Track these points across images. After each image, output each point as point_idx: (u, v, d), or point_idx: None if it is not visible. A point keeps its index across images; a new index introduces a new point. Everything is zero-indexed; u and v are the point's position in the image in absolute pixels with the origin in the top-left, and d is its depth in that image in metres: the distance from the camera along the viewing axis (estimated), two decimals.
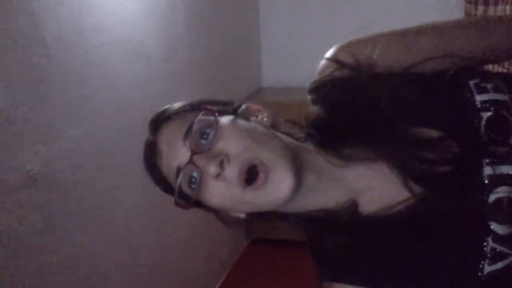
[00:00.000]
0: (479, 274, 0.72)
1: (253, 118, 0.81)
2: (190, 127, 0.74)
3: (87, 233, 1.69)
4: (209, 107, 0.77)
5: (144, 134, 0.83)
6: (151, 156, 0.80)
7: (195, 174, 0.73)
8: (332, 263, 0.80)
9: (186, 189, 0.75)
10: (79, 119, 1.63)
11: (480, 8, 2.30)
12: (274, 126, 0.82)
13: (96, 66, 1.71)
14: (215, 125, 0.73)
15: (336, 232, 0.79)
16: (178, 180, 0.74)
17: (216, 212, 0.82)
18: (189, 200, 0.75)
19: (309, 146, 0.81)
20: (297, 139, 0.83)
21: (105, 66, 1.76)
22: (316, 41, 2.17)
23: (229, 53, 2.84)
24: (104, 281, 1.80)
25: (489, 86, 0.77)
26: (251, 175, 0.71)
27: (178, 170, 0.74)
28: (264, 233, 3.10)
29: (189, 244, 2.41)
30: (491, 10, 2.29)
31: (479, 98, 0.75)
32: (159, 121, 0.80)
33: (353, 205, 0.78)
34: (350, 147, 0.78)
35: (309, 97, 0.84)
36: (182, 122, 0.76)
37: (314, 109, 0.82)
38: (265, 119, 0.81)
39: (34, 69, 1.45)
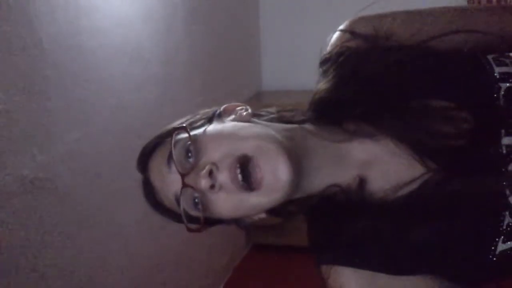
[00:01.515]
0: (492, 251, 0.70)
1: (231, 117, 0.79)
2: (170, 152, 0.72)
3: (85, 238, 1.67)
4: (178, 126, 0.75)
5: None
6: (150, 194, 0.80)
7: (196, 195, 0.72)
8: (334, 245, 0.77)
9: (193, 212, 0.74)
10: (76, 123, 1.62)
11: None
12: (257, 115, 0.81)
13: (93, 69, 1.69)
14: (191, 141, 0.72)
15: (344, 214, 0.76)
16: (181, 207, 0.73)
17: (236, 222, 0.80)
18: (199, 221, 0.73)
19: (308, 127, 0.79)
20: (292, 122, 0.81)
21: (102, 69, 1.74)
22: (316, 44, 2.16)
23: (228, 56, 2.82)
24: (103, 286, 1.78)
25: (507, 60, 0.75)
26: (245, 175, 0.69)
27: (177, 198, 0.73)
28: (264, 239, 3.08)
29: (189, 249, 2.39)
30: None
31: (498, 69, 0.74)
32: (144, 160, 0.80)
33: (362, 182, 0.75)
34: (355, 122, 0.76)
35: (320, 68, 0.82)
36: (162, 151, 0.76)
37: (322, 85, 0.79)
38: (244, 113, 0.79)
39: (30, 72, 1.43)
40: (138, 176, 0.83)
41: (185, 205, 0.73)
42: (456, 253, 0.72)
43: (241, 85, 3.05)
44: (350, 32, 0.80)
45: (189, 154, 0.72)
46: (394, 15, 0.80)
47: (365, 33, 0.78)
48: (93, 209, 1.70)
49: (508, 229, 0.70)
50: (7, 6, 1.34)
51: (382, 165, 0.75)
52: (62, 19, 1.54)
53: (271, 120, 0.81)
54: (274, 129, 0.75)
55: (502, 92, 0.72)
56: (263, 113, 0.83)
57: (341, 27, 0.82)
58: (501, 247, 0.70)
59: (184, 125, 0.75)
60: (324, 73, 0.81)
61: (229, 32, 2.83)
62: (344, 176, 0.76)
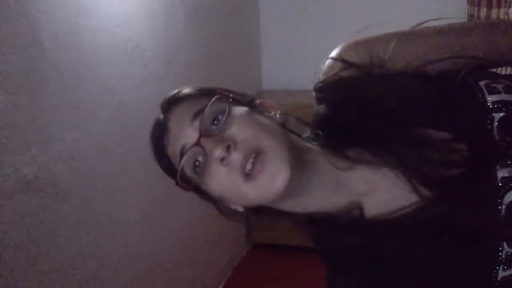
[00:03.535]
0: (493, 279, 0.71)
1: (266, 113, 0.81)
2: (202, 109, 0.73)
3: (85, 237, 1.67)
4: (224, 92, 0.77)
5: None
6: (159, 134, 0.80)
7: (199, 158, 0.73)
8: (339, 268, 0.78)
9: (188, 172, 0.74)
10: (76, 122, 1.61)
11: (483, 10, 2.29)
12: (284, 124, 0.82)
13: (93, 69, 1.69)
14: (227, 111, 0.73)
15: (340, 236, 0.77)
16: (182, 161, 0.74)
17: (215, 201, 0.80)
18: (190, 183, 0.74)
19: (315, 147, 0.80)
20: (305, 139, 0.82)
21: (102, 69, 1.74)
22: (316, 44, 2.16)
23: (229, 55, 2.82)
24: (103, 285, 1.78)
25: (499, 86, 0.75)
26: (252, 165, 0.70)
27: (182, 150, 0.74)
28: (264, 239, 3.08)
29: (189, 249, 2.39)
30: (494, 13, 2.28)
31: (490, 98, 0.73)
32: (172, 101, 0.80)
33: (358, 209, 0.76)
34: (355, 149, 0.77)
35: (314, 97, 0.83)
36: (194, 104, 0.76)
37: (320, 109, 0.81)
38: (277, 115, 0.81)
39: (30, 72, 1.43)
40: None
41: (186, 162, 0.74)
42: (457, 280, 0.72)
43: (241, 85, 3.05)
44: (342, 61, 0.80)
45: (215, 122, 0.73)
46: (385, 41, 0.79)
47: (358, 62, 0.78)
48: (93, 209, 1.70)
49: (508, 258, 0.70)
50: (7, 6, 1.34)
51: (379, 193, 0.76)
52: (62, 19, 1.54)
53: (293, 132, 0.82)
54: (292, 143, 0.76)
55: (496, 123, 0.72)
56: (288, 122, 0.84)
57: (333, 54, 0.82)
58: (502, 273, 0.71)
59: (231, 95, 0.76)
60: (319, 101, 0.82)
61: (229, 32, 2.83)
62: (339, 203, 0.77)
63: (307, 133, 0.83)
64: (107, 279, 1.80)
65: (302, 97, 2.38)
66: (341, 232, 0.77)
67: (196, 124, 0.73)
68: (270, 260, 2.99)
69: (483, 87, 0.74)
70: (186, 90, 0.81)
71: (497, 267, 0.70)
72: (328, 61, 0.82)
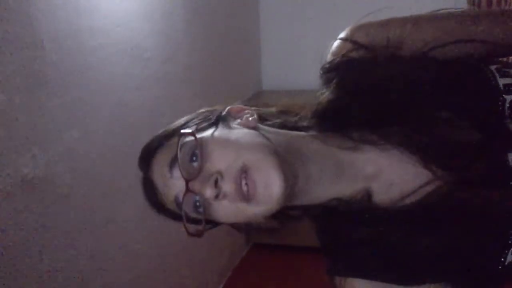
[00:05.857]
0: (501, 263, 0.70)
1: (237, 121, 0.78)
2: (175, 157, 0.71)
3: (85, 237, 1.67)
4: (185, 131, 0.73)
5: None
6: (151, 193, 0.79)
7: (197, 198, 0.71)
8: (345, 256, 0.77)
9: (193, 215, 0.73)
10: (76, 122, 1.61)
11: None
12: (263, 120, 0.80)
13: (93, 69, 1.69)
14: (198, 145, 0.71)
15: (350, 224, 0.76)
16: (183, 211, 0.72)
17: (234, 226, 0.80)
18: (200, 222, 0.73)
19: (313, 133, 0.78)
20: (294, 128, 0.80)
21: (102, 69, 1.74)
22: (316, 44, 2.15)
23: (229, 56, 2.82)
24: (103, 285, 1.77)
25: (511, 71, 0.75)
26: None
27: (177, 203, 0.73)
28: (264, 239, 3.08)
29: (189, 249, 2.39)
30: None
31: (502, 81, 0.74)
32: (147, 158, 0.78)
33: (367, 195, 0.75)
34: (359, 131, 0.76)
35: (321, 78, 0.81)
36: (167, 152, 0.74)
37: (326, 93, 0.79)
38: (250, 118, 0.78)
39: (30, 72, 1.43)
40: (139, 175, 0.83)
41: (186, 208, 0.72)
42: (464, 262, 0.72)
43: (241, 85, 3.05)
44: (351, 41, 0.79)
45: (194, 158, 0.71)
46: (399, 22, 0.79)
47: (367, 43, 0.77)
48: (93, 209, 1.70)
49: None
50: (7, 6, 1.34)
51: (387, 175, 0.75)
52: (62, 19, 1.54)
53: (275, 125, 0.80)
54: (276, 138, 0.74)
55: (507, 105, 0.73)
56: (267, 117, 0.82)
57: (342, 35, 0.81)
58: (510, 258, 0.70)
59: (192, 130, 0.73)
60: (326, 83, 0.80)
61: (229, 32, 2.83)
62: (348, 189, 0.76)
63: (300, 121, 0.81)
64: (107, 280, 1.80)
65: (302, 97, 2.38)
66: (353, 222, 0.76)
67: (176, 173, 0.71)
68: (270, 260, 2.99)
69: (494, 70, 0.75)
70: (154, 141, 0.79)
71: (506, 251, 0.70)
72: (336, 42, 0.81)
